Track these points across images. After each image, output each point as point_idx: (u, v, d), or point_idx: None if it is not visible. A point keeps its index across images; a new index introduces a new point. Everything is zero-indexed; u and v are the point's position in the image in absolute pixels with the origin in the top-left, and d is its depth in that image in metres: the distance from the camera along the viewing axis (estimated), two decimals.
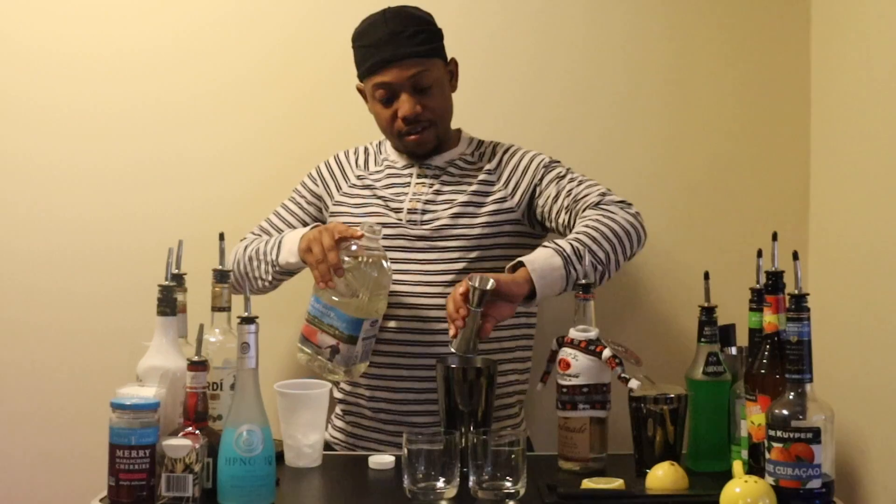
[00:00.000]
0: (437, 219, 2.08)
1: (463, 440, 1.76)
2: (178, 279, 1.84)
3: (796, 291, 1.61)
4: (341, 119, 2.42)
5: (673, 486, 1.68)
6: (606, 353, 1.81)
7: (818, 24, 2.35)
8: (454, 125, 2.19)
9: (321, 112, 2.45)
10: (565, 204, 2.04)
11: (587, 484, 1.69)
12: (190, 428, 1.62)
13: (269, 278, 2.09)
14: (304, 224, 2.17)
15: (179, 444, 1.58)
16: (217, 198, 2.44)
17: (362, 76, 2.11)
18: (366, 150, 2.23)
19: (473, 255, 2.05)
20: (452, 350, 1.83)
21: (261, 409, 1.63)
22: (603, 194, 2.03)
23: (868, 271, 2.01)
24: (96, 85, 2.45)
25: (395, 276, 2.04)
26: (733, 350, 1.96)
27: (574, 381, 1.82)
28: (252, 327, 1.63)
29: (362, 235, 1.91)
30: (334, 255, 1.88)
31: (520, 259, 1.88)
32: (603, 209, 1.99)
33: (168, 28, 2.46)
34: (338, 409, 2.18)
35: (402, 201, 2.11)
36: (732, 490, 1.55)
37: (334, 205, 2.18)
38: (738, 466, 1.63)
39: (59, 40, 2.45)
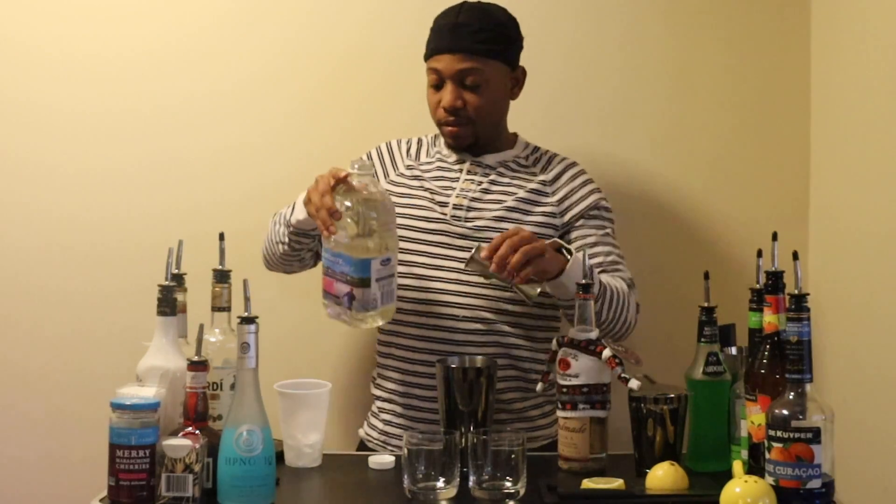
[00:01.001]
0: (481, 218, 2.08)
1: (463, 440, 1.76)
2: (178, 279, 1.84)
3: (796, 291, 1.61)
4: (343, 120, 2.43)
5: (673, 486, 1.67)
6: (606, 353, 1.81)
7: (818, 24, 2.35)
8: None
9: (323, 113, 2.45)
10: (599, 260, 2.06)
11: (587, 484, 1.69)
12: (190, 428, 1.62)
13: (286, 240, 2.05)
14: None
15: (179, 444, 1.58)
16: (217, 198, 2.44)
17: (424, 56, 2.11)
18: (419, 141, 2.22)
19: None
20: (471, 257, 1.91)
21: (261, 409, 1.63)
22: (631, 285, 2.07)
23: (868, 271, 2.01)
24: (97, 85, 2.45)
25: (432, 273, 2.04)
26: (733, 350, 1.96)
27: (574, 381, 1.82)
28: (252, 327, 1.63)
29: (347, 175, 1.86)
30: (329, 198, 1.84)
31: (567, 250, 1.94)
32: (627, 294, 2.03)
33: (169, 29, 2.46)
34: (374, 407, 2.16)
35: (448, 195, 2.10)
36: (732, 490, 1.55)
37: None
38: (738, 466, 1.63)
39: (59, 40, 2.45)
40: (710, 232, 2.41)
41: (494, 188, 2.11)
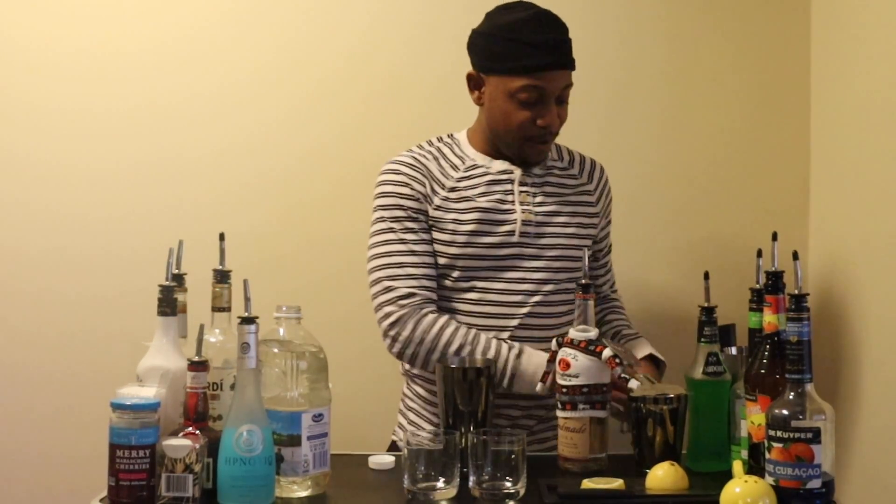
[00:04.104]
0: (551, 235, 2.03)
1: (463, 440, 1.76)
2: (179, 279, 1.84)
3: (796, 291, 1.61)
4: (343, 119, 2.43)
5: (673, 486, 1.67)
6: (606, 353, 1.81)
7: (818, 24, 2.35)
8: None
9: (322, 112, 2.45)
10: (607, 289, 2.19)
11: (587, 484, 1.69)
12: (190, 428, 1.62)
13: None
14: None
15: (179, 444, 1.58)
16: (218, 198, 2.44)
17: (506, 71, 1.96)
18: (432, 154, 2.06)
19: (571, 276, 2.03)
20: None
21: (261, 409, 1.63)
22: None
23: (868, 271, 2.01)
24: (97, 85, 2.46)
25: (508, 298, 1.99)
26: (733, 350, 1.96)
27: (574, 381, 1.82)
28: (252, 327, 1.63)
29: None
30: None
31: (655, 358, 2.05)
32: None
33: (168, 28, 2.47)
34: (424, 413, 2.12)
35: (510, 214, 2.02)
36: (732, 490, 1.55)
37: (429, 220, 2.03)
38: (738, 466, 1.63)
39: (59, 40, 2.46)
40: (710, 232, 2.41)
41: (551, 199, 2.05)
